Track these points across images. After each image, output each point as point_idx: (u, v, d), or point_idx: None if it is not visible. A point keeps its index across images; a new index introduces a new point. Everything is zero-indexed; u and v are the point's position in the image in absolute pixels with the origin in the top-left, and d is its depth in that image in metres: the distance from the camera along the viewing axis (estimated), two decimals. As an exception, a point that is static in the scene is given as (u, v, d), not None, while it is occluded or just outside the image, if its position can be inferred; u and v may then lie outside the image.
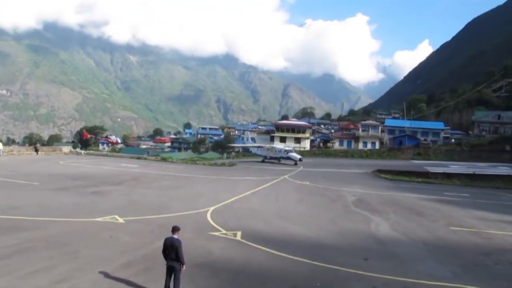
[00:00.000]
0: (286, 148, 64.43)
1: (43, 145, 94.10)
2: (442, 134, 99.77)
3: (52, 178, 32.87)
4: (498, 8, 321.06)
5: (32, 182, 29.89)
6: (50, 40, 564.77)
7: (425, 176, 46.98)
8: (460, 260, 15.61)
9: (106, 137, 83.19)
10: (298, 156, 60.71)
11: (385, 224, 21.68)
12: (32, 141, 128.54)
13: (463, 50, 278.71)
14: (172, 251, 10.50)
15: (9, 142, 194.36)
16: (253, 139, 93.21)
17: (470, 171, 49.14)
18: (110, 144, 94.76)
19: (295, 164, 58.84)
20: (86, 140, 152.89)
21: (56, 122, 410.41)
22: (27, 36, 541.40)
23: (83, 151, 72.54)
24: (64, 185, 29.75)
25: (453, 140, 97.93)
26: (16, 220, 18.18)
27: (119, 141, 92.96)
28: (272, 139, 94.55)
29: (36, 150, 59.44)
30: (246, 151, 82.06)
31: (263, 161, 64.65)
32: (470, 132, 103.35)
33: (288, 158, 61.00)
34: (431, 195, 33.89)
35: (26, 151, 60.41)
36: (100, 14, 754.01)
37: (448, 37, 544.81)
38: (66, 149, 69.81)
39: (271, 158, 64.21)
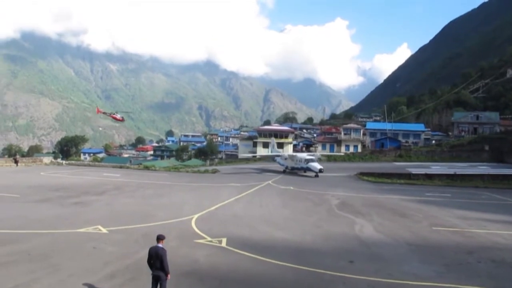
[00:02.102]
0: (307, 157, 53.83)
1: (22, 156, 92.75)
2: (423, 136, 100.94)
3: (33, 190, 32.26)
4: (472, 11, 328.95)
5: (13, 194, 29.26)
6: (28, 50, 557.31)
7: (407, 177, 47.65)
8: (444, 260, 15.81)
9: (112, 114, 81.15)
10: (319, 167, 50.49)
11: (369, 226, 21.85)
12: (11, 153, 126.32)
13: (440, 52, 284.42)
14: (157, 260, 10.41)
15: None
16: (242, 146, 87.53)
17: (451, 171, 49.96)
18: (114, 120, 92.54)
19: (316, 176, 50.23)
20: (67, 150, 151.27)
21: (36, 133, 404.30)
22: (4, 46, 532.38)
23: (64, 162, 71.55)
24: (45, 196, 29.21)
25: (433, 141, 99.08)
26: (-4, 234, 17.80)
27: (125, 118, 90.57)
28: (255, 144, 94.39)
29: (16, 162, 58.38)
30: (273, 160, 66.41)
31: (284, 172, 55.66)
32: (450, 133, 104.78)
33: (308, 169, 51.85)
34: (413, 196, 34.34)
35: (6, 163, 59.15)
36: (78, 22, 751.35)
37: (425, 40, 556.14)
38: (47, 159, 68.62)
39: (293, 168, 55.06)
